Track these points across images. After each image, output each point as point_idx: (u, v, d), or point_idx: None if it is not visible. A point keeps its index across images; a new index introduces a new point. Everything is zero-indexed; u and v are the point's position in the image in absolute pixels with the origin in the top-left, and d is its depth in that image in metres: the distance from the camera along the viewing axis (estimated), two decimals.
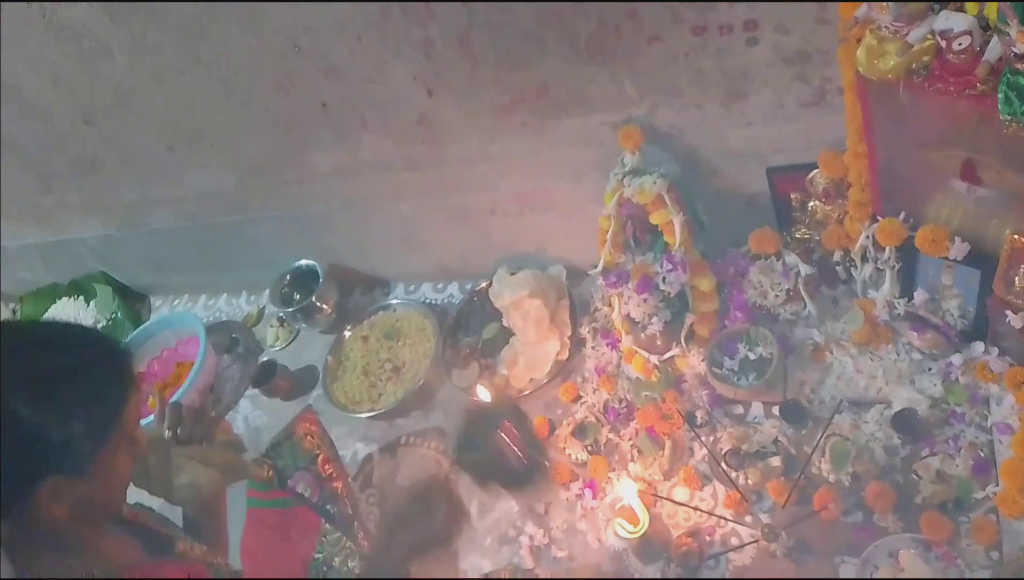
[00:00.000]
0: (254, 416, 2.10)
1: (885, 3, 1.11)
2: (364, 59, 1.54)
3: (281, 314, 2.20)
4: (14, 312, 2.75)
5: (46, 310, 2.61)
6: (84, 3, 1.57)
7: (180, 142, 1.90)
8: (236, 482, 1.35)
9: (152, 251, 2.34)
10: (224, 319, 2.38)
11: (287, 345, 2.21)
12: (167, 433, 1.30)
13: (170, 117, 1.82)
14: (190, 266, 2.35)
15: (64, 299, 2.60)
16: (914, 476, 1.36)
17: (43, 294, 2.65)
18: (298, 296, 2.18)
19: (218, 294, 2.44)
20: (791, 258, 1.58)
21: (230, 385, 2.17)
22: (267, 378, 2.06)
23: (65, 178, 2.12)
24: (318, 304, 2.13)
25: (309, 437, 1.59)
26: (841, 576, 1.33)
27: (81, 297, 2.57)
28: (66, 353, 0.99)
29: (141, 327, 2.31)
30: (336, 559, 1.44)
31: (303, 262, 2.18)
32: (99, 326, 2.49)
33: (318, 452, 1.56)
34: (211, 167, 1.94)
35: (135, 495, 1.21)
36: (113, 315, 2.50)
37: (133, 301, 2.55)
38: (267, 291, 2.23)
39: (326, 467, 1.55)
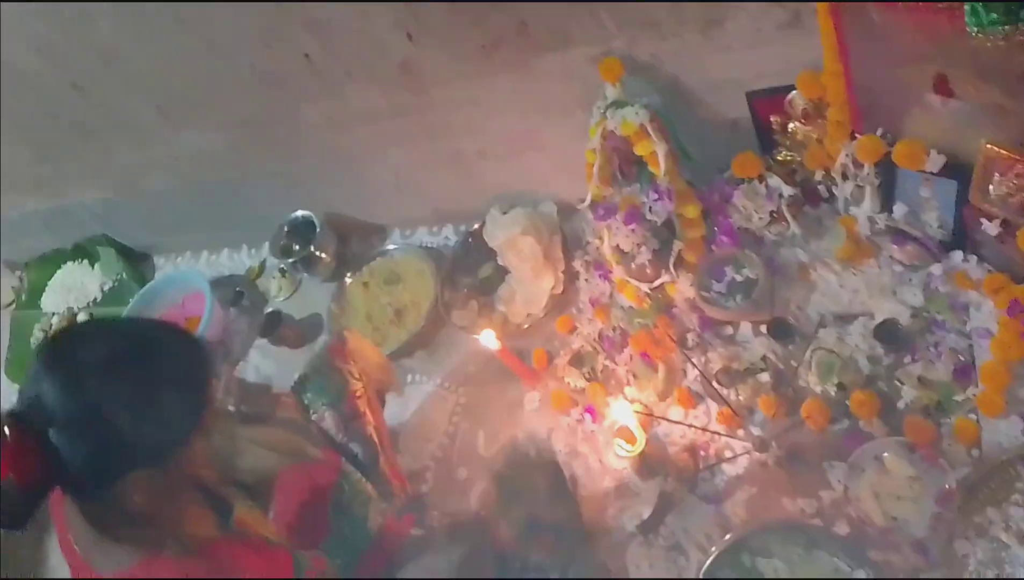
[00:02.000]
0: (264, 365, 2.16)
1: None
2: (344, 9, 1.55)
3: (282, 265, 2.25)
4: (20, 279, 2.81)
5: (51, 275, 2.67)
6: None
7: (169, 103, 1.92)
8: (294, 462, 1.40)
9: (151, 212, 2.38)
10: (227, 274, 2.43)
11: (290, 295, 2.27)
12: (231, 407, 1.35)
13: (157, 79, 1.84)
14: (190, 225, 2.39)
15: (69, 263, 2.65)
16: (897, 383, 1.42)
17: (48, 260, 2.70)
18: (297, 247, 2.23)
19: (219, 250, 2.49)
20: (774, 180, 1.61)
21: (238, 337, 2.23)
22: (273, 328, 2.12)
23: (60, 146, 2.15)
24: (317, 253, 2.17)
25: (338, 373, 1.58)
26: (830, 479, 1.40)
27: (85, 260, 2.63)
28: (152, 354, 1.05)
29: (146, 286, 2.35)
30: (354, 503, 1.46)
31: (300, 213, 2.22)
32: (105, 288, 2.55)
33: (351, 387, 1.56)
34: (202, 126, 1.97)
35: None
36: (118, 276, 2.55)
37: (137, 261, 2.59)
38: (267, 244, 2.28)
39: (358, 404, 1.57)
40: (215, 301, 2.16)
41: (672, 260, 1.67)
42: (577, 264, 1.87)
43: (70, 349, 1.04)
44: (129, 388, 1.01)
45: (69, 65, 1.84)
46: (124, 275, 2.55)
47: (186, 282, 2.31)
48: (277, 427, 1.53)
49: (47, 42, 1.78)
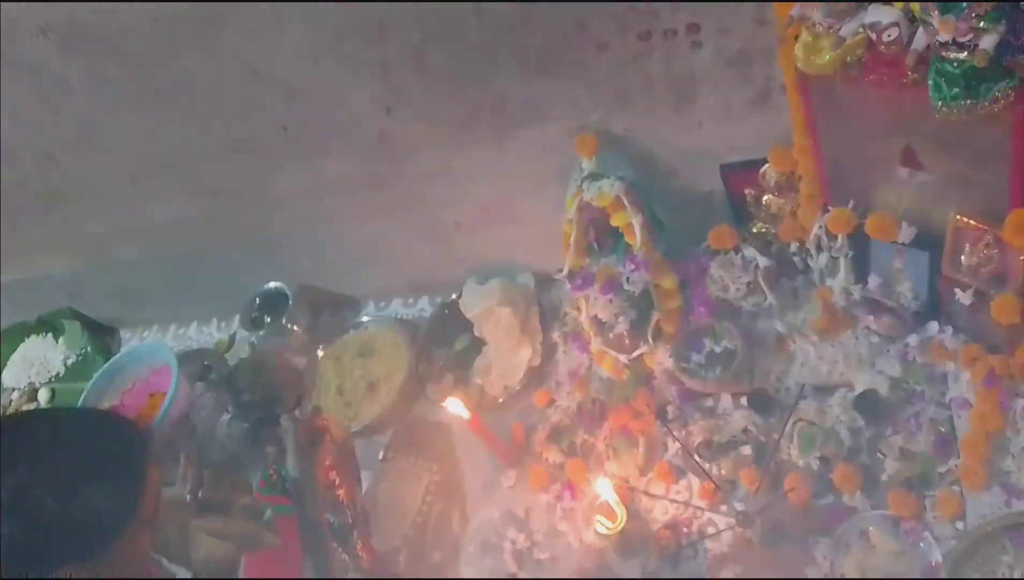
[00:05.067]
0: (230, 442, 2.09)
1: (817, 1, 1.16)
2: (322, 81, 1.57)
3: (253, 338, 2.21)
4: None
5: (14, 350, 2.59)
6: (40, 39, 1.58)
7: (143, 173, 1.91)
8: (249, 551, 1.36)
9: (119, 284, 2.34)
10: (195, 347, 2.37)
11: None
12: (188, 496, 1.33)
13: (132, 148, 1.83)
14: (158, 297, 2.35)
15: (32, 337, 2.57)
16: (879, 455, 1.41)
17: (11, 333, 2.62)
18: (268, 319, 2.19)
19: (188, 323, 2.44)
20: (749, 252, 1.62)
21: (204, 412, 2.17)
22: None
23: (28, 215, 2.11)
24: (289, 326, 2.13)
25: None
26: (815, 555, 1.36)
27: (49, 334, 2.55)
28: (86, 445, 1.05)
29: (111, 361, 2.29)
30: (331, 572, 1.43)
31: (272, 285, 2.19)
32: (69, 362, 2.49)
33: (326, 458, 1.54)
34: (175, 196, 1.95)
35: None
36: (83, 350, 2.49)
37: (102, 335, 2.53)
38: (237, 316, 2.24)
39: (330, 474, 1.53)
40: (181, 376, 2.10)
41: (650, 331, 1.66)
42: (555, 336, 1.86)
43: (7, 433, 1.04)
44: (59, 475, 1.00)
45: (43, 134, 1.83)
46: (89, 349, 2.48)
47: (152, 356, 2.24)
48: (234, 515, 1.49)
49: (21, 110, 1.77)
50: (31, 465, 1.00)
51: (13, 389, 2.51)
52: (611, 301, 1.62)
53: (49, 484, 0.99)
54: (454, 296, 1.97)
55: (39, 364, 2.53)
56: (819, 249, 1.53)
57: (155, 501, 1.10)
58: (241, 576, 1.35)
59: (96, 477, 1.02)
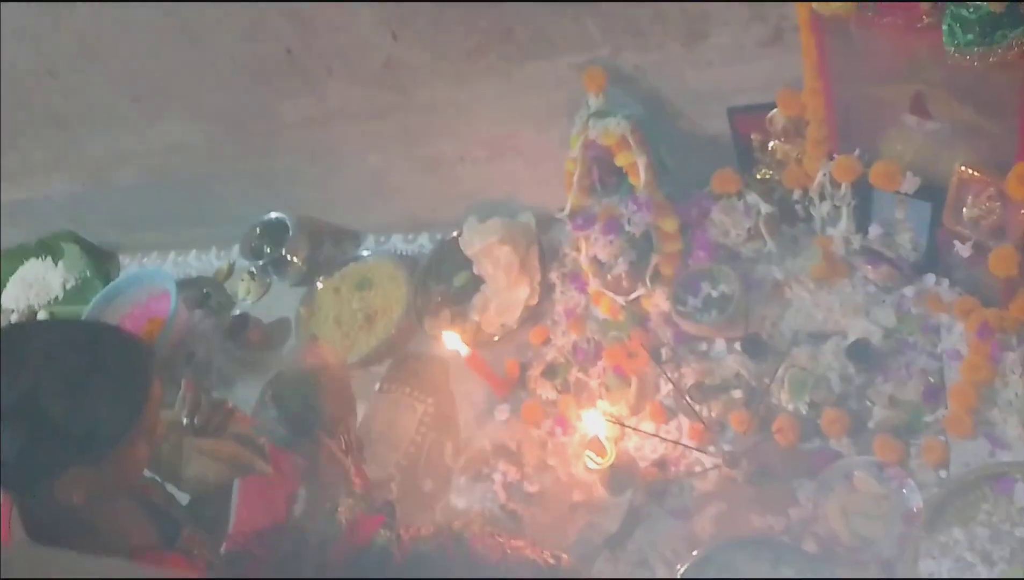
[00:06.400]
0: (228, 368, 2.12)
1: None
2: (329, 5, 1.54)
3: (252, 268, 2.21)
4: None
5: (14, 271, 2.60)
6: None
7: (146, 94, 1.89)
8: (241, 476, 1.39)
9: (119, 208, 2.33)
10: (194, 275, 2.38)
11: (259, 298, 2.23)
12: (184, 420, 1.34)
13: (135, 68, 1.81)
14: (158, 222, 2.35)
15: (32, 260, 2.59)
16: (868, 403, 1.42)
17: (10, 255, 2.64)
18: (268, 249, 2.19)
19: (187, 250, 2.45)
20: (752, 198, 1.62)
21: (203, 340, 2.18)
22: (240, 331, 2.08)
23: (29, 134, 2.10)
24: (288, 257, 2.14)
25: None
26: (799, 496, 1.39)
27: (49, 257, 2.56)
28: (93, 353, 1.05)
29: (110, 285, 2.30)
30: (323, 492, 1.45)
31: (273, 215, 2.19)
32: (68, 286, 2.50)
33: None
34: (178, 120, 1.94)
35: None
36: (82, 274, 2.50)
37: (102, 259, 2.54)
38: (237, 245, 2.24)
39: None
40: (180, 302, 2.12)
41: (648, 273, 1.66)
42: (553, 276, 1.86)
43: (14, 342, 1.04)
44: (65, 381, 1.01)
45: (44, 50, 1.80)
46: (88, 273, 2.50)
47: (152, 281, 2.26)
48: (227, 440, 1.51)
49: (22, 25, 1.74)
50: (39, 370, 1.00)
51: (12, 310, 2.53)
52: (612, 242, 1.63)
53: (56, 389, 0.99)
54: (454, 233, 1.97)
55: (38, 286, 2.54)
56: (822, 197, 1.53)
57: (155, 414, 1.11)
58: (235, 499, 1.38)
59: (102, 383, 1.03)
